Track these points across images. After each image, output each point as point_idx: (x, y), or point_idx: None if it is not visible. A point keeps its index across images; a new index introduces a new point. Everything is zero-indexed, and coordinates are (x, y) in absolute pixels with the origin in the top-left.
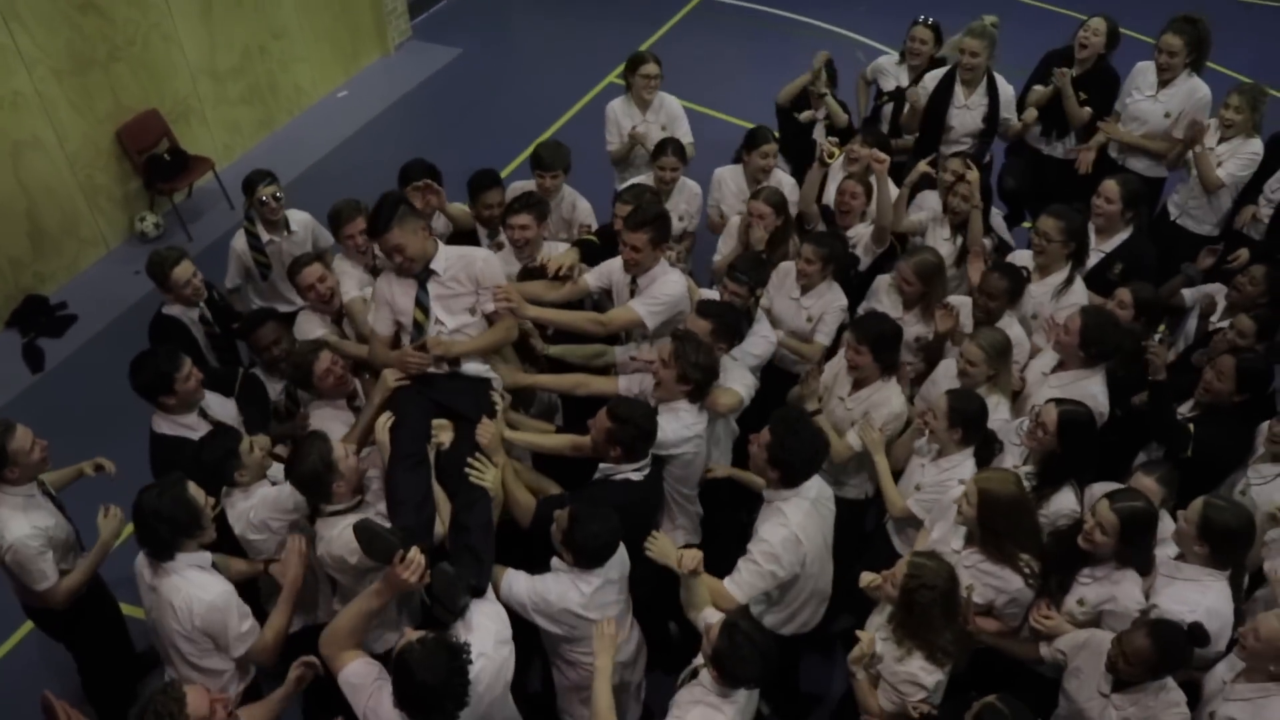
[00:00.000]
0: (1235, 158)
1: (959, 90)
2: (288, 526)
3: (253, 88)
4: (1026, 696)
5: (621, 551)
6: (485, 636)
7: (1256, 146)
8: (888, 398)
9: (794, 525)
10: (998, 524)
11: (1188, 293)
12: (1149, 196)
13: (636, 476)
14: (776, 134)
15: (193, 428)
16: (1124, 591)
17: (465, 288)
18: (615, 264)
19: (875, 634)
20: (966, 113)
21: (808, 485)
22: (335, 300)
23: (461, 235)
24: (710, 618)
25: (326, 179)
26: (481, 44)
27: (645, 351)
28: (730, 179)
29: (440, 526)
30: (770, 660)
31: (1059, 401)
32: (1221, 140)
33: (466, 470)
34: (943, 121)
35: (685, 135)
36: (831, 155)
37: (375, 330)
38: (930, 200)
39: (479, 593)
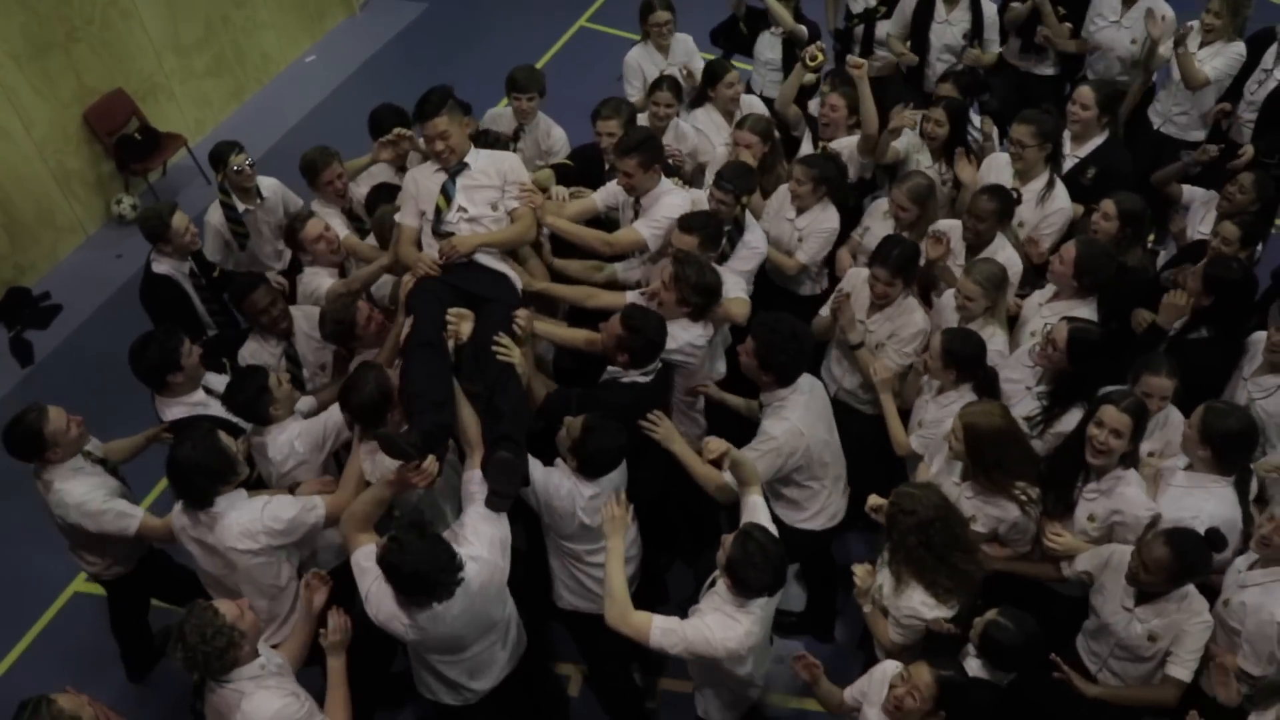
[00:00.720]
0: (1220, 56)
1: (939, 5)
2: (324, 456)
3: (219, 59)
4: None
5: (622, 466)
6: (481, 541)
7: (1240, 48)
8: (911, 317)
9: (795, 418)
10: (986, 455)
11: (1186, 190)
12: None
13: (643, 380)
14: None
15: (204, 404)
16: (1129, 501)
17: (493, 181)
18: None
19: (877, 567)
20: (948, 28)
21: (800, 382)
22: (341, 250)
23: None
24: (754, 500)
25: (302, 146)
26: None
27: (644, 271)
28: (704, 119)
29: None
30: (781, 570)
31: (1070, 319)
32: (1203, 45)
33: (494, 350)
34: (926, 37)
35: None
36: (814, 59)
37: (402, 223)
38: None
39: (528, 482)
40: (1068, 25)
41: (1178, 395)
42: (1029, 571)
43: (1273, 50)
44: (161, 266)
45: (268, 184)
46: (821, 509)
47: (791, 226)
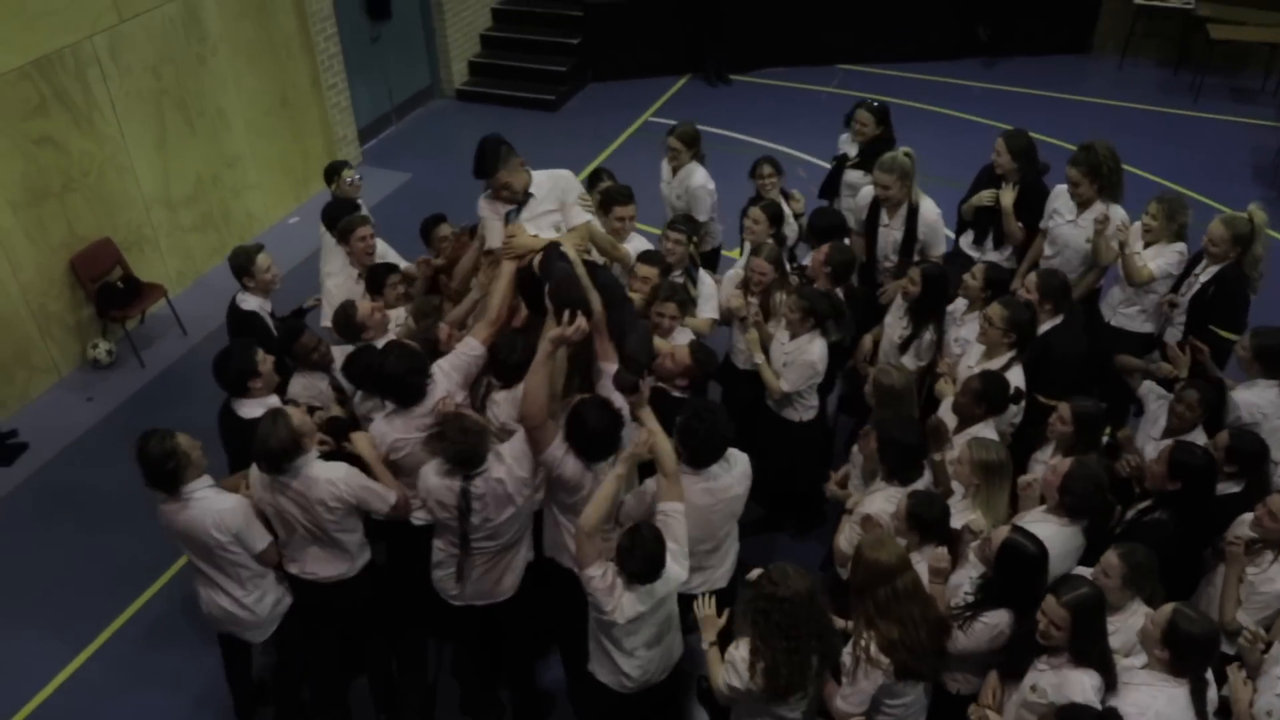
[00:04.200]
0: (1161, 256)
1: (883, 211)
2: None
3: (205, 215)
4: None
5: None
6: (507, 464)
7: (1180, 247)
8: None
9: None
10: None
11: (1144, 386)
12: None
13: (679, 396)
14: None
15: (277, 404)
16: (1073, 682)
17: (553, 206)
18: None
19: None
20: (888, 232)
21: (712, 469)
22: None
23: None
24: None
25: (278, 306)
26: (431, 168)
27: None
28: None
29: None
30: (727, 434)
31: (1013, 530)
32: (1146, 245)
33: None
34: (875, 233)
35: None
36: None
37: (494, 246)
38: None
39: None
40: (1019, 225)
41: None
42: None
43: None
44: (249, 304)
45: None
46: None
47: (780, 349)
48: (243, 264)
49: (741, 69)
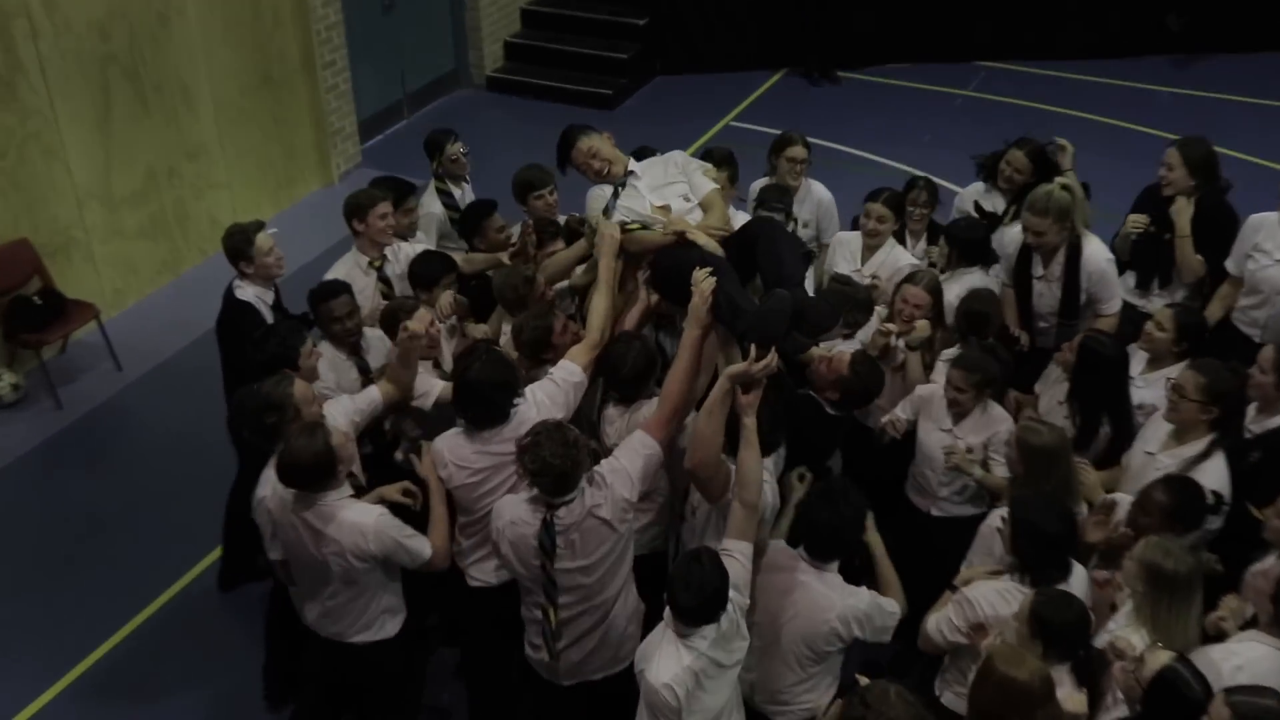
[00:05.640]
0: None
1: (1036, 260)
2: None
3: (156, 219)
4: None
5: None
6: (607, 487)
7: None
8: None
9: None
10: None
11: None
12: None
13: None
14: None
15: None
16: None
17: (676, 176)
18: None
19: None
20: (1044, 287)
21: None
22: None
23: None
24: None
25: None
26: None
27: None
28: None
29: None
30: (851, 538)
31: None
32: None
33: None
34: (1029, 294)
35: (828, 235)
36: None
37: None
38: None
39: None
40: (1199, 259)
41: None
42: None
43: None
44: (245, 293)
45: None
46: None
47: (952, 439)
48: (239, 246)
49: (852, 64)
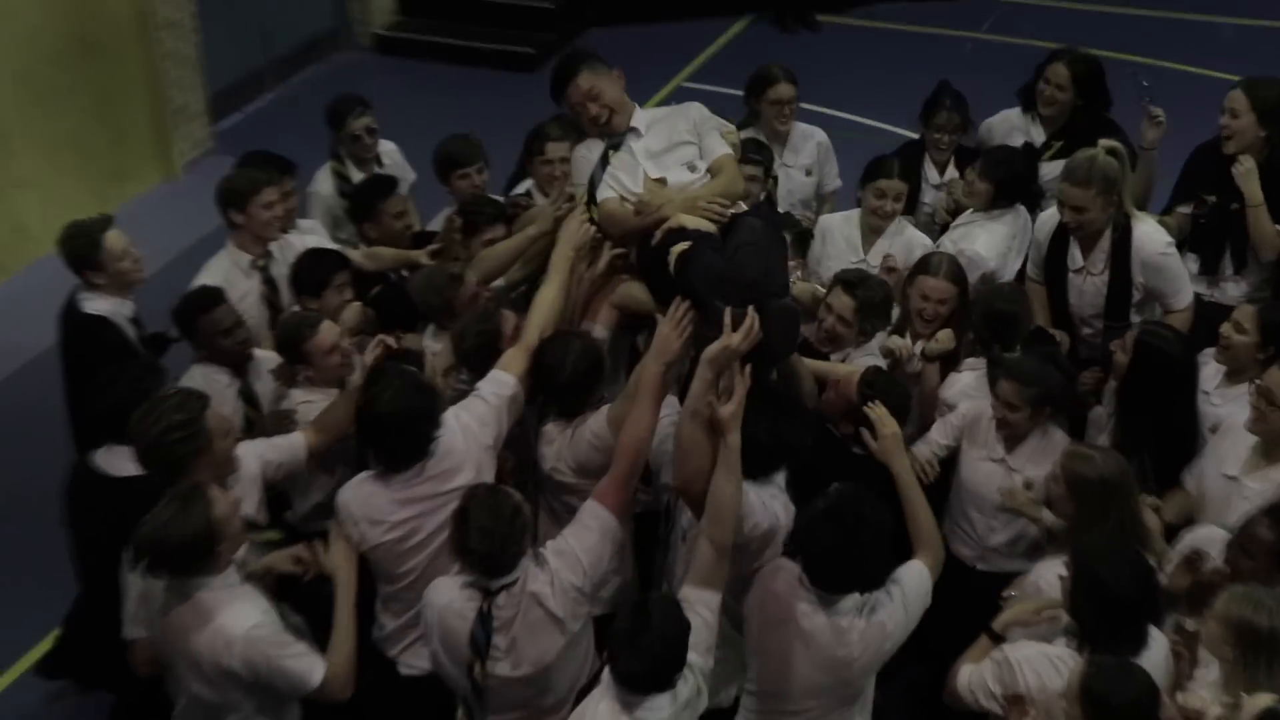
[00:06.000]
0: None
1: (1074, 248)
2: None
3: None
4: None
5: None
6: (550, 568)
7: None
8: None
9: None
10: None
11: None
12: None
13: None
14: None
15: None
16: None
17: (686, 136)
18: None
19: None
20: (1087, 280)
21: None
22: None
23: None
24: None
25: (49, 381)
26: (319, 156)
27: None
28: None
29: None
30: (873, 566)
31: None
32: None
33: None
34: (1064, 291)
35: (831, 181)
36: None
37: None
38: None
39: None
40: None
41: None
42: None
43: None
44: (96, 305)
45: (386, 148)
46: None
47: (1005, 469)
48: (83, 251)
49: (833, 6)
